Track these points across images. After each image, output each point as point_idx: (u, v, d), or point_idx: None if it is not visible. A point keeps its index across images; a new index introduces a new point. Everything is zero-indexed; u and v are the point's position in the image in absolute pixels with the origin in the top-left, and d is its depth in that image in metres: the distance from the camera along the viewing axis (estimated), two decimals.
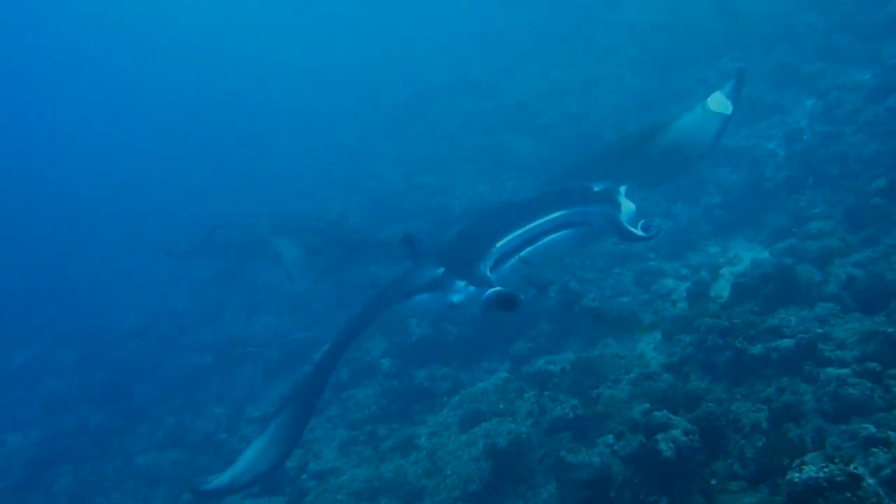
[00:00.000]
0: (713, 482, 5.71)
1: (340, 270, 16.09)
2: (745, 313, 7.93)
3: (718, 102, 8.32)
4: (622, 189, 6.73)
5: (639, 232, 5.47)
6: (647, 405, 6.65)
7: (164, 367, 15.25)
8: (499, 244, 5.69)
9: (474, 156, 17.36)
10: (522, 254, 5.81)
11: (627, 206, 6.22)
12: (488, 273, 5.46)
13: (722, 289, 9.77)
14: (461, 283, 5.54)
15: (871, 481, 4.24)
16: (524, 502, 7.90)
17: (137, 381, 15.37)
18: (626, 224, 5.73)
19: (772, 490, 5.47)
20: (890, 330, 6.46)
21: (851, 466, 4.24)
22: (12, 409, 17.71)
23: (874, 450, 4.80)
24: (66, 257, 27.23)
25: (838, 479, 4.16)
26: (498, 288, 5.10)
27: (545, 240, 5.94)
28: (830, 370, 6.41)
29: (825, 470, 4.14)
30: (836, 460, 4.25)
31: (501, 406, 8.85)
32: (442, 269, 5.84)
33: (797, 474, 4.26)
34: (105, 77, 51.18)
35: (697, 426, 5.83)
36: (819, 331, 7.19)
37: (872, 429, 5.26)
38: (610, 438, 6.81)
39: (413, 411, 10.45)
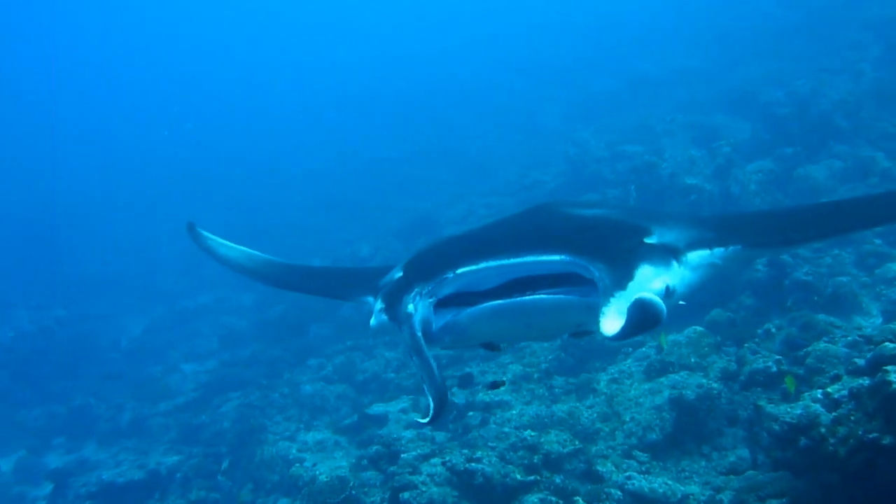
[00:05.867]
0: None
1: None
2: None
3: None
4: (713, 252, 3.94)
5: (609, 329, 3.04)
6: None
7: (340, 310, 15.47)
8: (462, 269, 3.50)
9: (687, 130, 16.45)
10: (491, 304, 3.49)
11: (648, 281, 3.43)
12: (412, 306, 3.51)
13: None
14: (380, 306, 3.81)
15: None
16: (707, 462, 7.24)
17: (312, 321, 15.72)
18: (606, 311, 3.12)
19: None
20: None
21: None
22: (192, 341, 18.83)
23: None
24: (260, 212, 28.61)
25: None
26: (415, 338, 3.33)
27: (529, 299, 3.44)
28: None
29: None
30: None
31: (693, 360, 8.17)
32: (400, 274, 3.87)
33: None
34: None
35: None
36: None
37: None
38: (818, 393, 6.04)
39: (592, 367, 9.93)
